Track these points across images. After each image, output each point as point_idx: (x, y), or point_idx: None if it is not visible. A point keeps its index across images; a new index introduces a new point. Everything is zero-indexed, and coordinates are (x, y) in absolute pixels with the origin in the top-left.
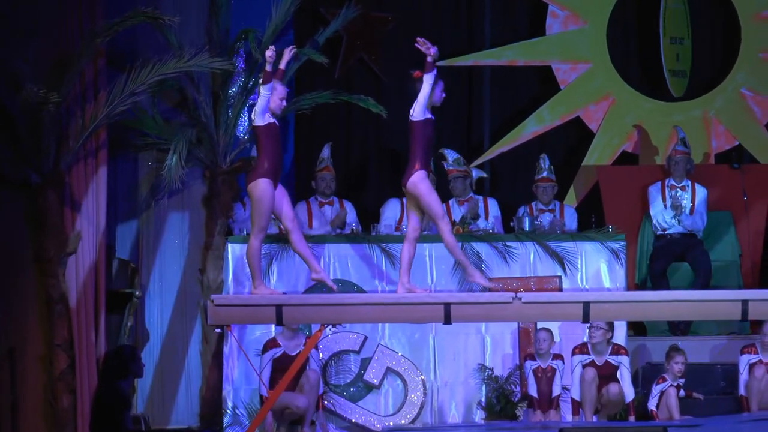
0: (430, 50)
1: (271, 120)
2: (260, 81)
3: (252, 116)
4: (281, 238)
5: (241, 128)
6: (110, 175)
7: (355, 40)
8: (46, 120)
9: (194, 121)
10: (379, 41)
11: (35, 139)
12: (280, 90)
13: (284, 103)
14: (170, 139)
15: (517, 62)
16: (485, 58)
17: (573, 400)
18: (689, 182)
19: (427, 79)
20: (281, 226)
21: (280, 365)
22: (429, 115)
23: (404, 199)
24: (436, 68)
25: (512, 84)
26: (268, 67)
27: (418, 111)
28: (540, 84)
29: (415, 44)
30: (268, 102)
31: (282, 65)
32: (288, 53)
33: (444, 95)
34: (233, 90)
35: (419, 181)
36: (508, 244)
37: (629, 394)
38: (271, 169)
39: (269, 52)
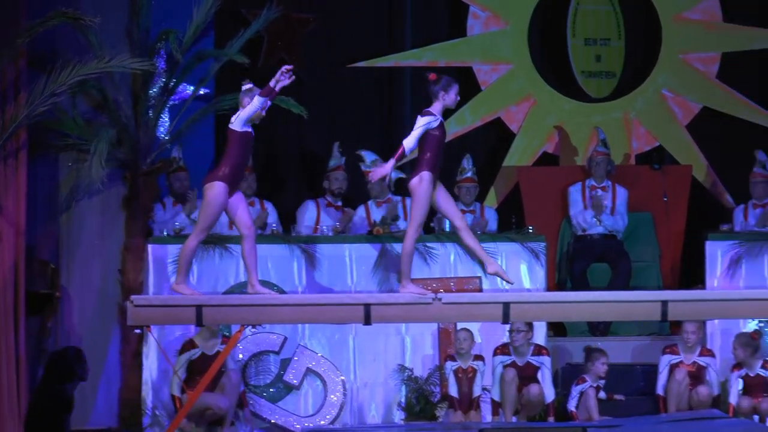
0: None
1: (249, 129)
2: (258, 92)
3: (232, 119)
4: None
5: (161, 129)
6: (30, 176)
7: (276, 40)
8: None
9: (115, 121)
10: (300, 42)
11: None
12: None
13: (264, 113)
14: (91, 140)
15: (438, 63)
16: (406, 59)
17: (493, 401)
18: (610, 183)
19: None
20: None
21: (198, 366)
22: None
23: (320, 200)
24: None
25: None
26: (273, 84)
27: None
28: (461, 85)
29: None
30: (254, 113)
31: (277, 87)
32: (286, 78)
33: (458, 98)
34: (154, 91)
35: (420, 182)
36: (428, 244)
37: (549, 394)
38: (230, 174)
39: (285, 67)
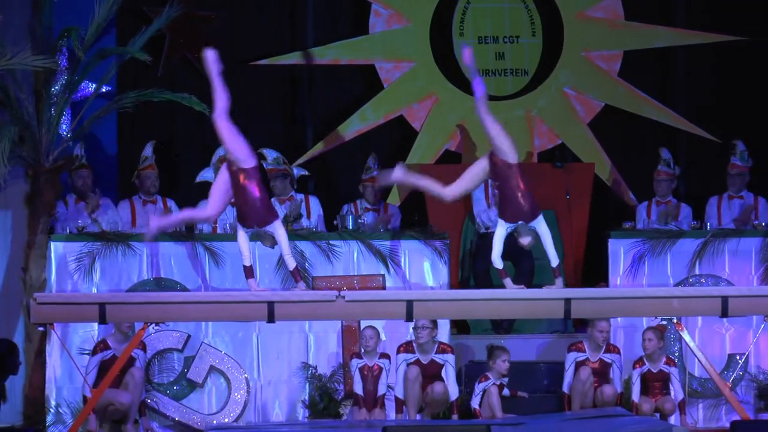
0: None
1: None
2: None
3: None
4: (103, 237)
5: (63, 126)
6: None
7: (177, 38)
8: None
9: (17, 119)
10: (202, 40)
11: None
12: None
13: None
14: None
15: (340, 61)
16: None
17: (397, 399)
18: None
19: None
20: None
21: (109, 367)
22: None
23: None
24: None
25: (336, 83)
26: (298, 282)
27: None
28: (363, 83)
29: None
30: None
31: (297, 281)
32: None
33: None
34: (56, 88)
35: (479, 162)
36: (331, 242)
37: (453, 392)
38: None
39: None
